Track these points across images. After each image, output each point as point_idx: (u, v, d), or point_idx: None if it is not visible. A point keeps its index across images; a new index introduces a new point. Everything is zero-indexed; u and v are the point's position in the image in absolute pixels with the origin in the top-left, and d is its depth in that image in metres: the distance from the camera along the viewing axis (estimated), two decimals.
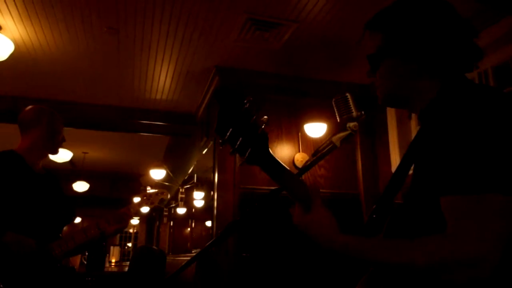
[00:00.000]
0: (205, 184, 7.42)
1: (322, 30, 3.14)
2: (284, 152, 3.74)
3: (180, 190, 7.70)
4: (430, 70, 0.92)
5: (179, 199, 7.86)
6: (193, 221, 9.29)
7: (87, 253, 5.15)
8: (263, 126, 0.85)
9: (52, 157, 2.12)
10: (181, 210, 8.13)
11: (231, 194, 3.52)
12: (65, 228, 2.07)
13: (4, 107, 4.34)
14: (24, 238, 1.73)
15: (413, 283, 0.76)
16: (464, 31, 0.91)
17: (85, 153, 7.03)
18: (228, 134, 0.83)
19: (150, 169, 6.45)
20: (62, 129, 2.08)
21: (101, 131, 5.36)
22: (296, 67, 3.76)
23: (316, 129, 3.72)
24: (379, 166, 3.90)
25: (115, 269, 7.28)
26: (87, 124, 4.78)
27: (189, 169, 6.49)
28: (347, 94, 1.38)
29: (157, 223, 10.48)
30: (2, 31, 3.13)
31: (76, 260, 5.56)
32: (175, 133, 5.29)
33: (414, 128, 3.52)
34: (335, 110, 1.40)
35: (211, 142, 4.20)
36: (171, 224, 9.71)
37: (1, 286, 1.64)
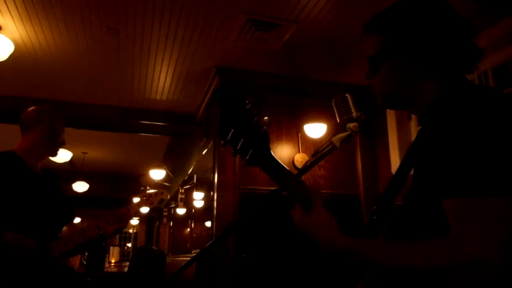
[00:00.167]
0: (205, 184, 7.42)
1: (322, 31, 3.14)
2: (284, 152, 3.74)
3: (180, 190, 7.71)
4: (430, 71, 0.92)
5: (179, 200, 7.86)
6: (193, 221, 9.29)
7: (86, 254, 5.14)
8: (264, 127, 0.85)
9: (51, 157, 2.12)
10: (181, 211, 8.13)
11: (231, 195, 3.52)
12: (64, 228, 2.06)
13: (4, 107, 4.34)
14: (24, 238, 1.73)
15: (413, 285, 0.76)
16: (464, 32, 0.91)
17: (84, 153, 7.03)
18: (229, 135, 0.83)
19: (150, 169, 6.44)
20: (63, 132, 2.08)
21: (101, 131, 5.35)
22: (296, 68, 3.77)
23: (316, 130, 3.72)
24: (379, 167, 3.90)
25: (115, 270, 7.26)
26: (87, 124, 4.78)
27: (189, 169, 6.49)
28: (347, 95, 1.38)
29: (157, 223, 10.47)
30: (2, 31, 3.13)
31: (76, 261, 5.54)
32: (175, 133, 5.29)
33: (414, 129, 3.52)
34: (335, 110, 1.41)
35: (211, 143, 4.20)
36: (171, 224, 9.71)
37: (1, 286, 1.64)
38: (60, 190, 2.10)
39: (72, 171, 7.43)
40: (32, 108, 2.05)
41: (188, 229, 9.63)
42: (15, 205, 1.80)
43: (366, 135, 3.94)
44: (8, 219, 1.76)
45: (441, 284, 0.69)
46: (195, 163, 5.89)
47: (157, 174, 6.42)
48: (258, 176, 3.53)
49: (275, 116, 3.78)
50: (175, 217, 9.19)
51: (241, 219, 1.15)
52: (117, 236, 11.74)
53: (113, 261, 8.10)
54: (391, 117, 3.64)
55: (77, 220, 9.76)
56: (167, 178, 6.76)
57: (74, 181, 7.37)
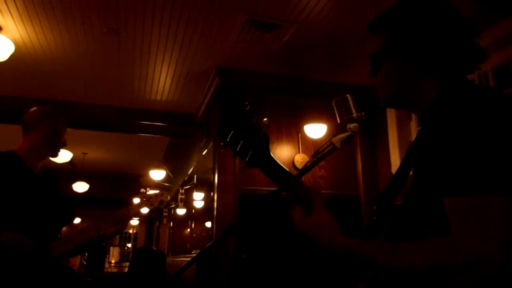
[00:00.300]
0: (205, 185, 7.41)
1: (322, 31, 3.14)
2: (284, 153, 3.74)
3: (180, 191, 7.70)
4: (432, 70, 0.92)
5: (179, 200, 7.85)
6: (193, 222, 9.27)
7: (86, 254, 5.14)
8: (264, 129, 0.85)
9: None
10: (181, 211, 8.12)
11: (231, 195, 3.52)
12: (64, 228, 2.06)
13: (4, 108, 4.34)
14: (23, 238, 1.73)
15: (414, 285, 0.76)
16: (466, 31, 0.91)
17: (84, 153, 7.03)
18: (229, 137, 0.84)
19: (150, 169, 6.44)
20: (64, 133, 2.08)
21: (101, 132, 5.36)
22: (296, 68, 3.76)
23: (316, 130, 3.72)
24: (379, 167, 3.90)
25: (115, 270, 7.26)
26: (87, 124, 4.78)
27: (189, 170, 6.48)
28: (347, 95, 1.38)
29: (157, 223, 10.47)
30: (2, 31, 3.13)
31: (76, 261, 5.54)
32: (175, 133, 5.28)
33: (414, 129, 3.52)
34: (336, 111, 1.41)
35: (211, 143, 4.20)
36: (171, 225, 9.70)
37: (0, 286, 1.64)
38: (60, 190, 2.10)
39: (72, 171, 7.43)
40: (34, 108, 2.05)
41: (188, 230, 9.62)
42: (14, 205, 1.80)
43: (366, 135, 3.94)
44: (7, 219, 1.76)
45: (441, 284, 0.68)
46: (195, 163, 5.88)
47: (157, 174, 6.42)
48: (258, 177, 3.53)
49: (275, 116, 3.78)
50: (175, 217, 9.17)
51: (241, 220, 1.15)
52: (117, 236, 11.72)
53: (113, 261, 8.10)
54: (391, 117, 3.64)
55: (77, 220, 9.75)
56: (167, 179, 6.76)
57: (74, 181, 7.37)
